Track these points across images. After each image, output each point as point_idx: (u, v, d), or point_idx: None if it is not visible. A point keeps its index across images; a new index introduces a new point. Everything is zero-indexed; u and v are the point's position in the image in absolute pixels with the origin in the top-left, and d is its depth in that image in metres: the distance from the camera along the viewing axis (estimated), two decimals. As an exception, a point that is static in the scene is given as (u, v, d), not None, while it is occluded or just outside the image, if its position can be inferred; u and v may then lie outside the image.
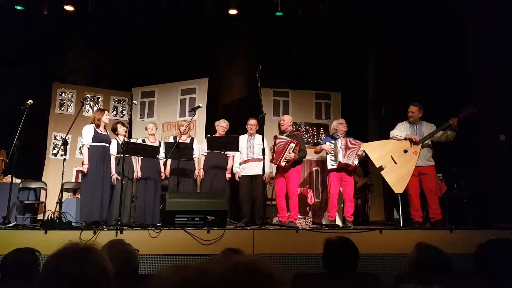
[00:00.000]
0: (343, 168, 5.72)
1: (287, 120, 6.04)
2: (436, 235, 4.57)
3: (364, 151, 5.64)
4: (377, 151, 5.48)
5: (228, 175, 6.30)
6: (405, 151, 5.38)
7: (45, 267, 1.25)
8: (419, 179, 5.39)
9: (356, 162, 5.73)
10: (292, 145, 5.61)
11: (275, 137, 5.87)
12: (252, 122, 6.21)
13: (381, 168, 5.38)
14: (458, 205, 5.77)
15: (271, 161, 5.84)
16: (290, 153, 5.60)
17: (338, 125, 5.93)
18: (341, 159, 5.61)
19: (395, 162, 5.35)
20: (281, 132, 6.04)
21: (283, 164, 5.65)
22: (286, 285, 0.94)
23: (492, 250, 2.16)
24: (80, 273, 1.21)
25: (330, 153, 5.78)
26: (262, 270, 0.91)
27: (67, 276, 1.20)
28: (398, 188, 5.25)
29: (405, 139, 5.41)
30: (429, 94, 6.38)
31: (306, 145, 6.34)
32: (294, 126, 6.69)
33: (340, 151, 5.64)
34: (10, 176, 5.81)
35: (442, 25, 6.77)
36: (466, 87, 6.36)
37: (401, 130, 5.56)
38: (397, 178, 5.28)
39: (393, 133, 5.57)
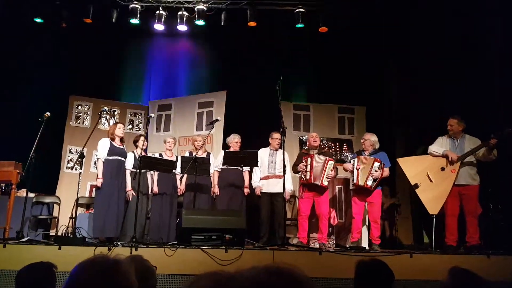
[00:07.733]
0: (365, 188, 5.31)
1: (319, 137, 5.93)
2: (472, 260, 4.32)
3: (379, 167, 5.18)
4: (413, 168, 5.16)
5: (246, 190, 6.08)
6: (442, 169, 5.03)
7: (73, 277, 1.24)
8: (460, 199, 5.00)
9: (369, 183, 5.22)
10: (331, 163, 5.48)
11: (311, 156, 5.55)
12: (277, 136, 5.93)
13: (416, 186, 5.06)
14: (495, 228, 5.41)
15: (309, 181, 5.48)
16: (331, 171, 5.47)
17: (364, 141, 5.62)
18: (355, 180, 5.29)
19: (431, 181, 5.02)
20: (308, 149, 5.93)
21: (325, 183, 5.46)
22: None
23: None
24: (108, 286, 1.22)
25: (351, 172, 5.46)
26: (294, 274, 0.91)
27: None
28: (432, 208, 4.91)
29: (442, 155, 5.07)
30: (457, 109, 6.08)
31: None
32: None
33: (355, 171, 5.31)
34: (24, 190, 5.73)
35: (467, 38, 6.50)
36: (491, 102, 6.06)
37: (440, 145, 5.20)
38: (432, 198, 4.94)
39: (431, 148, 5.22)
